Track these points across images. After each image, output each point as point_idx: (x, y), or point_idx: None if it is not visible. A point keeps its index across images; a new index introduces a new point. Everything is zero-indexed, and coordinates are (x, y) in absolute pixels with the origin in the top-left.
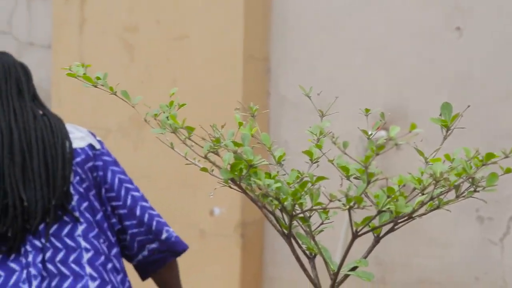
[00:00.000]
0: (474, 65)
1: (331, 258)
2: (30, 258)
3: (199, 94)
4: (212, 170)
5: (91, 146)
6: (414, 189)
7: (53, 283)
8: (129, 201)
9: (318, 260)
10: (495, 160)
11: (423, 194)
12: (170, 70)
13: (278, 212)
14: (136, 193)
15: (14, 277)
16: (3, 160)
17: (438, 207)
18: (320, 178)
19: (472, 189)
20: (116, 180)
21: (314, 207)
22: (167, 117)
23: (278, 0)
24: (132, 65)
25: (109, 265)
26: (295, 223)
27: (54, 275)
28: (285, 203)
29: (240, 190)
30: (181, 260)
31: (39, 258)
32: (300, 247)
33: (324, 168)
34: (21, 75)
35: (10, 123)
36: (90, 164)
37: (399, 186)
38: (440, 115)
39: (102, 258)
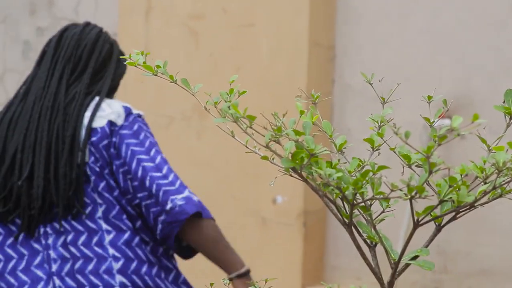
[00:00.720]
0: None
1: (392, 247)
2: (50, 241)
3: (263, 82)
4: (273, 159)
5: (110, 123)
6: (477, 178)
7: (76, 266)
8: (139, 173)
9: (379, 249)
10: None
11: (485, 183)
12: (235, 58)
13: (339, 201)
14: (148, 163)
15: (39, 258)
16: (18, 140)
17: (500, 196)
18: (382, 167)
19: None
20: (129, 153)
21: (375, 196)
22: (229, 107)
23: None
24: (197, 53)
25: (136, 240)
26: (356, 212)
27: (77, 258)
28: (346, 192)
29: (301, 179)
30: (242, 248)
31: (60, 241)
32: (361, 236)
33: (386, 156)
34: (83, 52)
35: (36, 100)
36: (105, 142)
37: (461, 175)
38: (504, 102)
39: (126, 235)
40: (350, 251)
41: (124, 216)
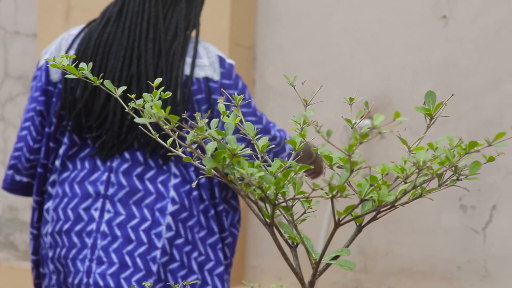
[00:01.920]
0: (460, 54)
1: (313, 247)
2: (114, 164)
3: None
4: (196, 160)
5: (206, 79)
6: (397, 177)
7: (135, 197)
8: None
9: (300, 249)
10: (478, 149)
11: (406, 183)
12: None
13: (260, 201)
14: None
15: (96, 175)
16: (115, 69)
17: (420, 196)
18: (303, 167)
19: (455, 177)
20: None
21: (296, 196)
22: (151, 107)
23: None
24: None
25: (194, 193)
26: (277, 212)
27: (138, 190)
28: (268, 192)
29: (223, 179)
30: None
31: (123, 167)
32: (282, 236)
33: None
34: None
35: (132, 26)
36: (199, 96)
37: (382, 174)
38: (424, 103)
39: (188, 186)
40: (271, 251)
41: (192, 169)
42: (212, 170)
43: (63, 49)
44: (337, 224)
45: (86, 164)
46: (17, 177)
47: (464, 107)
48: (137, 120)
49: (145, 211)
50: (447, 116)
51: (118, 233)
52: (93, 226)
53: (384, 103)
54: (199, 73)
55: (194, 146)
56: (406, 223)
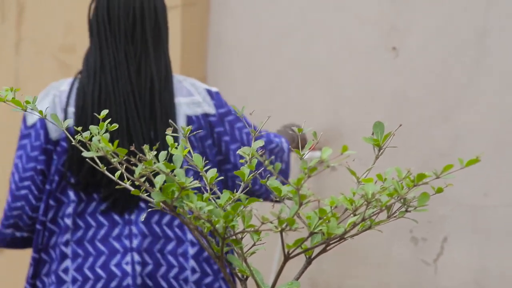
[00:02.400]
0: (410, 85)
1: (263, 280)
2: (132, 216)
3: None
4: (145, 193)
5: (205, 115)
6: (346, 210)
7: (157, 246)
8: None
9: (250, 282)
10: (426, 181)
11: (355, 215)
12: None
13: (210, 234)
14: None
15: (117, 230)
16: (132, 119)
17: (370, 228)
18: (252, 200)
19: (403, 209)
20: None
21: (246, 229)
22: (99, 140)
23: (215, 19)
24: None
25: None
26: (227, 245)
27: (159, 237)
28: (217, 225)
29: (172, 213)
30: None
31: (142, 217)
32: (232, 269)
33: None
34: (136, 19)
35: (114, 83)
36: (202, 133)
37: (331, 207)
38: (373, 134)
39: None
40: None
41: None
42: (161, 204)
43: (59, 106)
44: (287, 257)
45: (103, 220)
46: (18, 234)
47: (414, 138)
48: (85, 154)
49: (170, 258)
50: (395, 147)
51: (150, 283)
52: (128, 280)
53: (335, 135)
54: (197, 110)
55: (143, 179)
56: (358, 255)
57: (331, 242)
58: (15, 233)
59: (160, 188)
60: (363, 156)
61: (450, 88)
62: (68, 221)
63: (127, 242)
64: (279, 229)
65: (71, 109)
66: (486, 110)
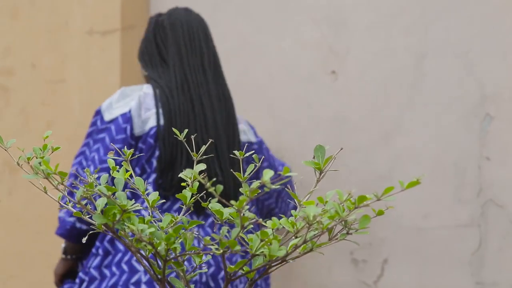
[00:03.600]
0: (349, 108)
1: None
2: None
3: (75, 138)
4: (87, 215)
5: (250, 143)
6: (288, 232)
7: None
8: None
9: None
10: (367, 203)
11: (296, 237)
12: (46, 114)
13: (152, 257)
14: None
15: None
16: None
17: (311, 250)
18: (194, 223)
19: (344, 231)
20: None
21: (187, 252)
22: (40, 163)
23: None
24: (8, 109)
25: None
26: (169, 267)
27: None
28: (159, 248)
29: (114, 235)
30: None
31: (209, 221)
32: None
33: None
34: (200, 40)
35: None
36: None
37: (272, 229)
38: (314, 157)
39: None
40: None
41: None
42: (102, 226)
43: (143, 106)
44: (229, 279)
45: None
46: (78, 225)
47: (354, 161)
48: (25, 176)
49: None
50: (336, 170)
51: None
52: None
53: (277, 157)
54: (243, 137)
55: (84, 202)
56: (299, 277)
57: (272, 264)
58: (76, 223)
59: (102, 211)
60: (304, 180)
61: (389, 111)
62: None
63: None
64: (221, 251)
65: (160, 111)
66: (425, 133)
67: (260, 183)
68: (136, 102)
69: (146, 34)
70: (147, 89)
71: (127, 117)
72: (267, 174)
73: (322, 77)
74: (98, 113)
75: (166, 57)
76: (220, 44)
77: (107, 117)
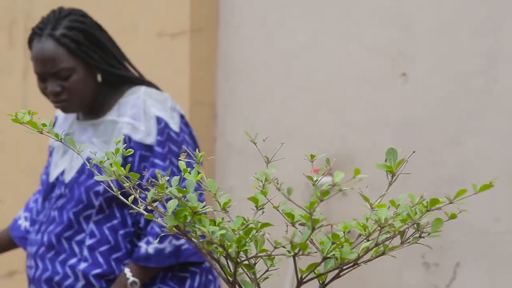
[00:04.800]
0: (419, 111)
1: None
2: None
3: None
4: (157, 217)
5: None
6: (359, 235)
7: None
8: None
9: None
10: (439, 206)
11: (368, 240)
12: None
13: (223, 259)
14: None
15: None
16: None
17: (383, 253)
18: (265, 225)
19: (417, 235)
20: None
21: (258, 254)
22: (111, 164)
23: (223, 44)
24: None
25: None
26: (240, 270)
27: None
28: (230, 250)
29: (185, 237)
30: None
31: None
32: None
33: (270, 214)
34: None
35: None
36: None
37: (344, 232)
38: (386, 160)
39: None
40: None
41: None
42: (174, 228)
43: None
44: (300, 282)
45: None
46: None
47: (425, 164)
48: (97, 178)
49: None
50: (408, 173)
51: None
52: None
53: (346, 161)
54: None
55: (155, 204)
56: (370, 280)
57: (344, 268)
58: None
59: (173, 213)
60: (374, 182)
61: (459, 113)
62: None
63: None
64: (292, 253)
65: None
66: (495, 136)
67: (330, 185)
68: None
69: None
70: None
71: (187, 127)
72: (338, 175)
73: (391, 80)
74: (167, 124)
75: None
76: (289, 45)
77: (176, 128)
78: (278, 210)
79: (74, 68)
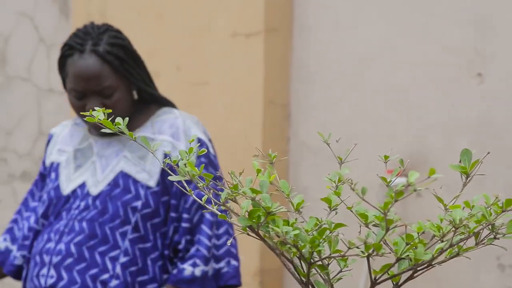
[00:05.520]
0: (495, 111)
1: None
2: None
3: (218, 140)
4: (230, 217)
5: None
6: (434, 236)
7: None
8: None
9: None
10: None
11: (442, 241)
12: None
13: (296, 260)
14: None
15: None
16: None
17: (457, 255)
18: (339, 225)
19: (492, 236)
20: None
21: (332, 255)
22: (185, 164)
23: (298, 45)
24: None
25: None
26: (313, 270)
27: None
28: (303, 250)
29: (258, 238)
30: None
31: None
32: None
33: (343, 215)
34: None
35: None
36: None
37: (418, 233)
38: (460, 161)
39: None
40: None
41: None
42: (247, 229)
43: None
44: (374, 283)
45: None
46: None
47: (500, 165)
48: (171, 178)
49: None
50: (483, 174)
51: None
52: None
53: (419, 161)
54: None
55: (228, 204)
56: (444, 282)
57: (418, 269)
58: None
59: (247, 213)
60: (449, 183)
61: None
62: None
63: None
64: (366, 254)
65: None
66: None
67: (404, 185)
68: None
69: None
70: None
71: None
72: (413, 175)
73: (467, 79)
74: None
75: None
76: (363, 46)
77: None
78: (351, 211)
79: (118, 86)
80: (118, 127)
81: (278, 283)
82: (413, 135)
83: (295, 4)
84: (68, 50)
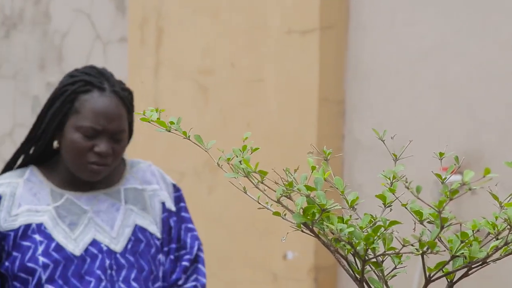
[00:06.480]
0: None
1: None
2: None
3: (273, 137)
4: (285, 214)
5: None
6: (488, 233)
7: None
8: None
9: None
10: None
11: (497, 239)
12: (244, 114)
13: (350, 257)
14: None
15: None
16: None
17: None
18: (393, 223)
19: None
20: None
21: (387, 252)
22: (240, 161)
23: (353, 43)
24: (206, 108)
25: None
26: (367, 267)
27: None
28: (358, 247)
29: (312, 235)
30: None
31: None
32: None
33: (398, 212)
34: None
35: None
36: None
37: (473, 231)
38: None
39: None
40: None
41: None
42: (301, 225)
43: None
44: (428, 280)
45: None
46: None
47: None
48: (227, 175)
49: None
50: None
51: None
52: None
53: (475, 158)
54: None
55: (283, 201)
56: (499, 280)
57: (473, 266)
58: None
59: (301, 210)
60: (505, 181)
61: None
62: None
63: None
64: (420, 252)
65: None
66: None
67: (459, 184)
68: None
69: None
70: None
71: None
72: (468, 174)
73: None
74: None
75: None
76: (419, 43)
77: None
78: (406, 208)
79: (126, 133)
80: (172, 126)
81: (332, 280)
82: (468, 132)
83: (351, 2)
84: (84, 86)
